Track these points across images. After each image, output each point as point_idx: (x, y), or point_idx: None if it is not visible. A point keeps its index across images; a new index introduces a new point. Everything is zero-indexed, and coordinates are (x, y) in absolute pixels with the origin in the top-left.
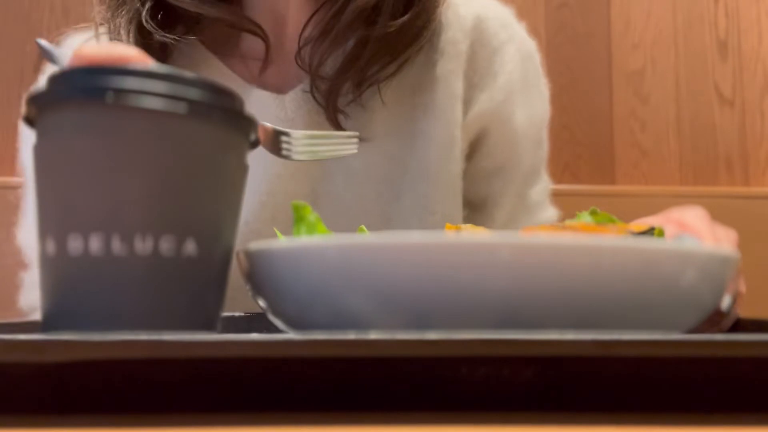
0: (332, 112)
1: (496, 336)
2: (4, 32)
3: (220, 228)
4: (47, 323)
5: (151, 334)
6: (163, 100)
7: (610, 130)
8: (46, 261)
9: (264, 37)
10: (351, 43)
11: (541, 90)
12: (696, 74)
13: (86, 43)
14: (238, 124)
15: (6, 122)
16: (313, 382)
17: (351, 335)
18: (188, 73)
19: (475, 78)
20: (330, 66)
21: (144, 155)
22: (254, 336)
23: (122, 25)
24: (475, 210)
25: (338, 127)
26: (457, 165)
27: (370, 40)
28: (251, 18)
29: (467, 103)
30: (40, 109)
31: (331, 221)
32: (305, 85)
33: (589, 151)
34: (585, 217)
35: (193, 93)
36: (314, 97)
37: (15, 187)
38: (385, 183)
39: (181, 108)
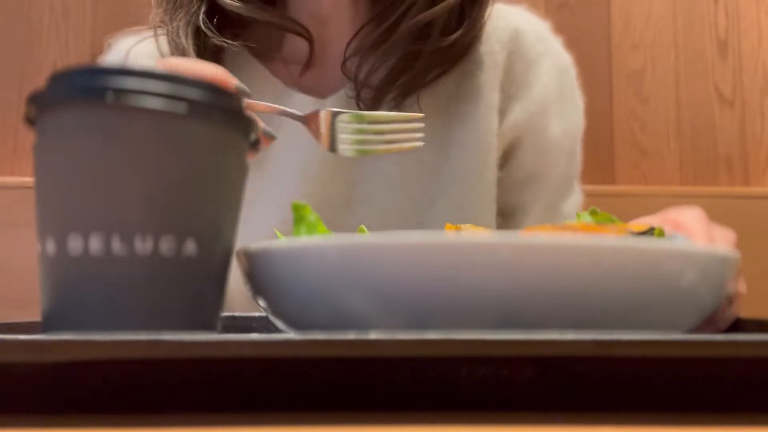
0: None
1: (496, 336)
2: (4, 32)
3: (220, 228)
4: (47, 323)
5: (151, 334)
6: (163, 100)
7: (610, 130)
8: (46, 261)
9: (309, 39)
10: (399, 54)
11: (576, 103)
12: (696, 74)
13: (172, 58)
14: (238, 124)
15: (6, 122)
16: (313, 382)
17: (351, 335)
18: (188, 74)
19: (511, 89)
20: (376, 76)
21: (144, 155)
22: (254, 336)
23: (180, 27)
24: (506, 218)
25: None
26: (492, 173)
27: (422, 55)
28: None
29: (502, 112)
30: (41, 109)
31: (365, 225)
32: (347, 90)
33: (589, 151)
34: (585, 217)
35: (193, 93)
36: (358, 105)
37: (15, 187)
38: (419, 189)
39: (181, 108)
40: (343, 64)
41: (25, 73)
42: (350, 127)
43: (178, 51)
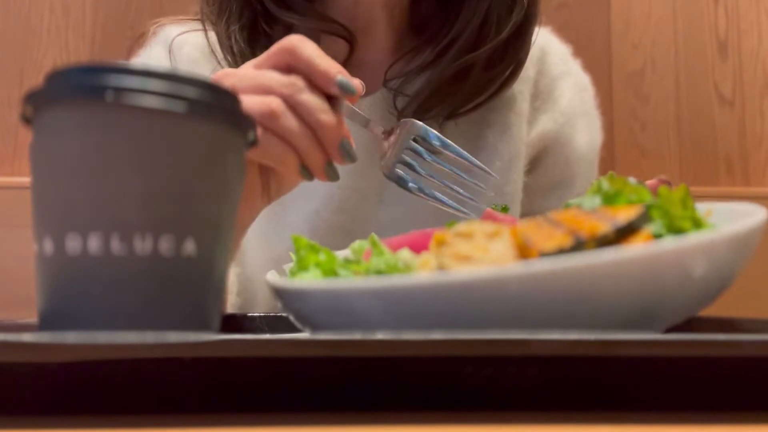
0: None
1: (499, 336)
2: (4, 32)
3: (219, 228)
4: (45, 323)
5: (153, 335)
6: (162, 99)
7: (610, 130)
8: (43, 261)
9: (351, 42)
10: (442, 83)
11: (596, 119)
12: (696, 74)
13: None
14: (238, 124)
15: (6, 122)
16: (314, 382)
17: (357, 335)
18: (187, 73)
19: (537, 102)
20: (417, 99)
21: (143, 155)
22: (254, 336)
23: (236, 32)
24: None
25: None
26: (518, 178)
27: (463, 89)
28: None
29: (530, 123)
30: (38, 108)
31: (398, 220)
32: (386, 103)
33: None
34: (588, 200)
35: (193, 92)
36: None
37: (15, 187)
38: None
39: (180, 107)
40: (385, 82)
41: (25, 73)
42: (411, 154)
43: (240, 56)
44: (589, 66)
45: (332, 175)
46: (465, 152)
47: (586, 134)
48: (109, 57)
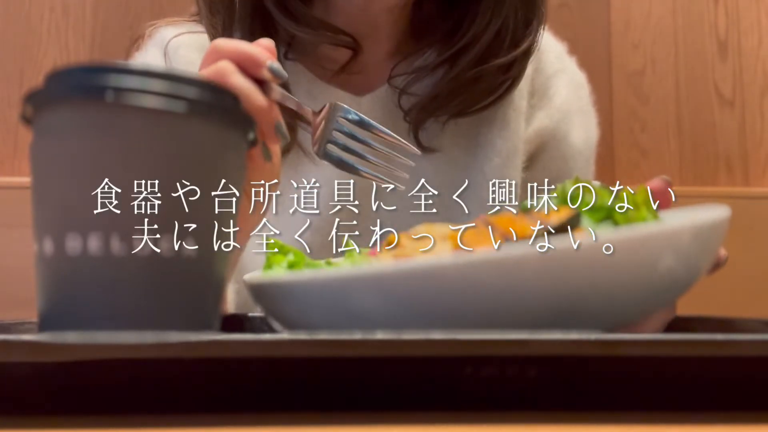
0: (415, 128)
1: (499, 336)
2: (4, 32)
3: (219, 228)
4: (44, 323)
5: (153, 335)
6: (162, 99)
7: (610, 130)
8: (43, 261)
9: (355, 50)
10: (447, 89)
11: (593, 115)
12: (696, 74)
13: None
14: (238, 123)
15: (6, 122)
16: (314, 382)
17: (357, 335)
18: (187, 73)
19: (533, 99)
20: (422, 100)
21: (143, 155)
22: (254, 336)
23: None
24: None
25: (416, 140)
26: (518, 174)
27: (474, 91)
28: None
29: (527, 120)
30: (38, 108)
31: (397, 218)
32: (386, 91)
33: None
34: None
35: (193, 92)
36: (405, 119)
37: (15, 187)
38: (448, 186)
39: (180, 107)
40: (390, 78)
41: (25, 73)
42: (342, 135)
43: None
44: (589, 66)
45: (267, 156)
46: (384, 128)
47: (583, 131)
48: (109, 57)
